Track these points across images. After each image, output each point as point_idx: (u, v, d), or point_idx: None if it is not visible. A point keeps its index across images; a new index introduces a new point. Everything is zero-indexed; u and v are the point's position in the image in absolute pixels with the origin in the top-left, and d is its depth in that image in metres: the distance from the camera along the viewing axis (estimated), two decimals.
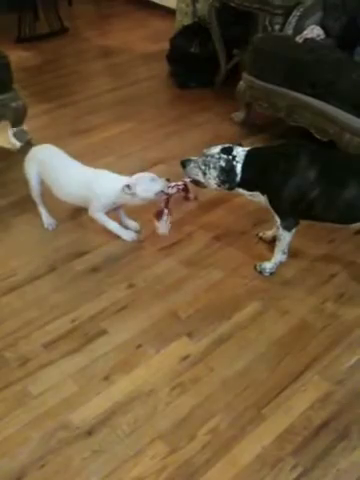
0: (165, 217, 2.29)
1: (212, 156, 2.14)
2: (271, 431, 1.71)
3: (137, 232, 2.53)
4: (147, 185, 2.25)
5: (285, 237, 2.20)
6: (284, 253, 2.26)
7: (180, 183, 2.25)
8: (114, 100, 3.97)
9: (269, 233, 2.47)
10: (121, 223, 2.51)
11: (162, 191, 2.25)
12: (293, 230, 2.18)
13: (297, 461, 1.63)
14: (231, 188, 2.16)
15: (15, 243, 2.53)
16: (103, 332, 2.06)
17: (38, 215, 2.61)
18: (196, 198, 2.37)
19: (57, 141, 3.30)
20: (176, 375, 1.89)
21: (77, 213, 2.62)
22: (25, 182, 2.54)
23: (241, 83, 3.40)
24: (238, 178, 2.12)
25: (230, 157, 2.11)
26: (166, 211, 2.28)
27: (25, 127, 3.30)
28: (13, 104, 3.13)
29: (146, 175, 2.30)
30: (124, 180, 2.29)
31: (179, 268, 2.37)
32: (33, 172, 2.48)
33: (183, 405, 1.79)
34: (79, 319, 2.12)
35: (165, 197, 2.26)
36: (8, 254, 2.46)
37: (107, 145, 3.31)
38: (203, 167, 2.15)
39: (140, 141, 3.38)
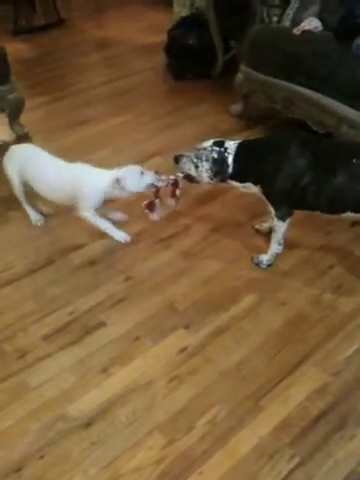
0: (156, 206, 2.29)
1: (204, 149, 2.16)
2: (268, 422, 1.72)
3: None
4: (136, 179, 2.24)
5: (280, 227, 2.21)
6: (280, 244, 2.27)
7: (171, 177, 2.26)
8: (110, 92, 3.97)
9: (266, 225, 2.47)
10: (106, 217, 2.44)
11: (152, 184, 2.24)
12: (287, 220, 2.19)
13: (294, 451, 1.64)
14: (223, 180, 2.18)
15: (11, 237, 2.54)
16: (101, 324, 2.07)
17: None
18: (178, 199, 2.32)
19: (52, 134, 3.32)
20: (174, 367, 1.90)
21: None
22: None
23: (238, 75, 3.40)
24: (230, 169, 2.14)
25: (222, 149, 2.13)
26: (157, 201, 2.28)
27: (21, 120, 3.30)
28: (10, 96, 3.13)
29: (133, 168, 2.28)
30: (111, 174, 2.26)
31: (176, 260, 2.37)
32: (14, 172, 2.44)
33: (181, 396, 1.80)
34: (77, 312, 2.12)
35: (154, 189, 2.26)
36: (4, 248, 2.46)
37: (103, 138, 3.30)
38: (195, 160, 2.17)
39: (136, 133, 3.37)
